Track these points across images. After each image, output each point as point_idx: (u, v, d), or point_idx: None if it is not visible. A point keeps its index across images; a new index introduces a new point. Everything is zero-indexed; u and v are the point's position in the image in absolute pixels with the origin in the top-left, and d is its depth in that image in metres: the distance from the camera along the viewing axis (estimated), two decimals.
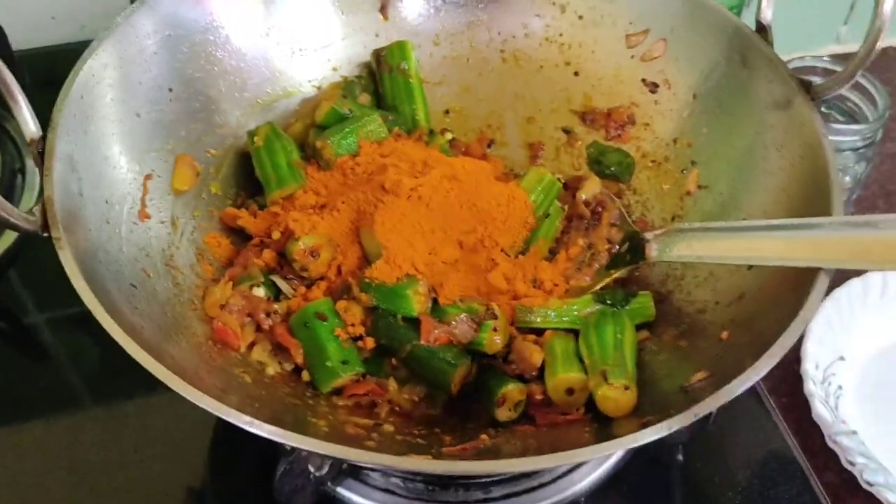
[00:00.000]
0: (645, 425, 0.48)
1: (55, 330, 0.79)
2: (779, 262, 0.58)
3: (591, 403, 0.60)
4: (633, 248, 0.66)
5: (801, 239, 0.56)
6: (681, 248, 0.63)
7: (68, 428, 0.71)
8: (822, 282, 0.53)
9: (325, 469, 0.59)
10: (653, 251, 0.64)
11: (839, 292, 0.81)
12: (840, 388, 0.77)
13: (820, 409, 0.74)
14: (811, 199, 0.60)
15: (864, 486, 0.70)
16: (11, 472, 0.68)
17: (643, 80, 0.77)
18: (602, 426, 0.57)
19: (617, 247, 0.69)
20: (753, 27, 0.69)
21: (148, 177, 0.65)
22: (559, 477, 0.67)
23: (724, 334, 0.59)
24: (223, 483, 0.69)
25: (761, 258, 0.59)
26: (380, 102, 0.79)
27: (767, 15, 0.68)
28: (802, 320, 0.51)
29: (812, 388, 0.75)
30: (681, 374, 0.57)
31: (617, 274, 0.67)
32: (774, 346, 0.50)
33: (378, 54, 0.78)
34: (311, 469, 0.58)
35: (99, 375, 0.75)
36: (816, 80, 0.65)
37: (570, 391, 0.61)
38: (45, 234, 0.52)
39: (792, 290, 0.55)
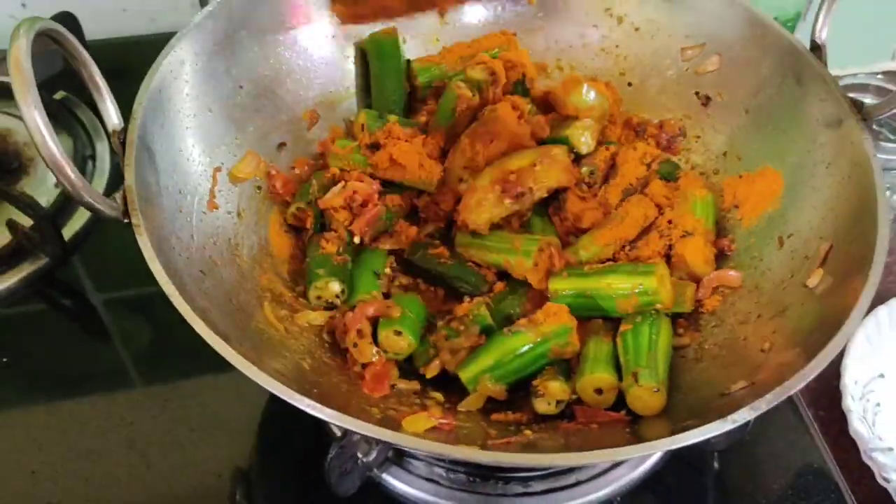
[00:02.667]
0: (683, 429, 0.49)
1: (116, 311, 0.82)
2: None
3: None
4: None
5: None
6: None
7: (128, 404, 0.74)
8: (865, 299, 0.54)
9: (373, 455, 0.61)
10: None
11: (881, 310, 0.81)
12: (878, 405, 0.78)
13: (857, 425, 0.74)
14: (857, 217, 0.61)
15: None
16: (73, 444, 0.71)
17: (696, 93, 0.78)
18: (641, 427, 0.59)
19: None
20: (808, 42, 0.70)
21: (217, 169, 0.68)
22: (596, 475, 0.69)
23: (766, 346, 0.60)
24: (272, 464, 0.71)
25: None
26: None
27: (822, 34, 0.69)
28: (843, 337, 0.52)
29: (850, 403, 0.75)
30: (721, 382, 0.58)
31: None
32: (814, 360, 0.51)
33: None
34: (360, 455, 0.60)
35: (158, 356, 0.78)
36: (869, 98, 0.65)
37: (598, 391, 0.63)
38: (126, 221, 0.55)
39: (835, 307, 0.56)
